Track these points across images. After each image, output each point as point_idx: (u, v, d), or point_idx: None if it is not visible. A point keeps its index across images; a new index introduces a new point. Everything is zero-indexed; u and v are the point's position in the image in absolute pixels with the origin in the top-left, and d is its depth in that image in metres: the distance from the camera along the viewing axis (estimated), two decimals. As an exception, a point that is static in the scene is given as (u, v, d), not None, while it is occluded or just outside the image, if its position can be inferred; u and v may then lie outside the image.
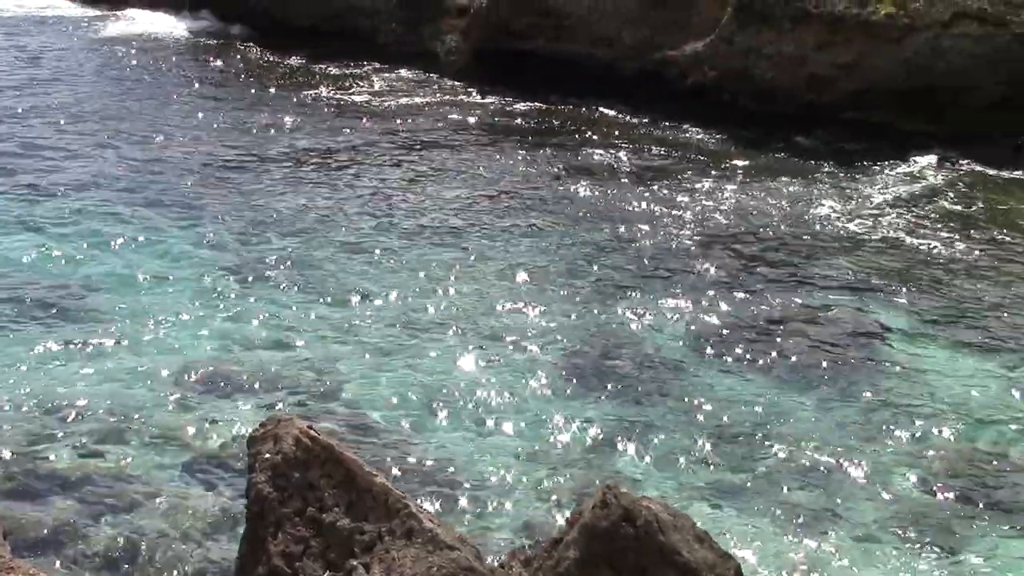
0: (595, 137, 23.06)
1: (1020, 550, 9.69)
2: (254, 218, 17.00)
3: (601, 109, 24.96)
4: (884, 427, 11.65)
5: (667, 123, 23.96)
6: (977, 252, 16.93)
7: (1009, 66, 22.18)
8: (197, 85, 26.43)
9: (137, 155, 20.08)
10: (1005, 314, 14.59)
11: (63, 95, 24.15)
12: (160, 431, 10.88)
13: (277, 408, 11.09)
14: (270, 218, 17.07)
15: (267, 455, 7.09)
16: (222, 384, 11.88)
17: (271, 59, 29.68)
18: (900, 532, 9.89)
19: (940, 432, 11.58)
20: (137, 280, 14.41)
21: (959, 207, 19.21)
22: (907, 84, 22.75)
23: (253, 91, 26.11)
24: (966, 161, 21.53)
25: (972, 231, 17.96)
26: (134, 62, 28.41)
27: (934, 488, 10.57)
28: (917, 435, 11.51)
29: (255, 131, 22.33)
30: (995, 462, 11.08)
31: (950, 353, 13.51)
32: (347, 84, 27.28)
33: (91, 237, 15.73)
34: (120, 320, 13.25)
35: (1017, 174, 21.01)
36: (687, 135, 23.37)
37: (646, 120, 24.23)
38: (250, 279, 14.67)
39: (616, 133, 23.46)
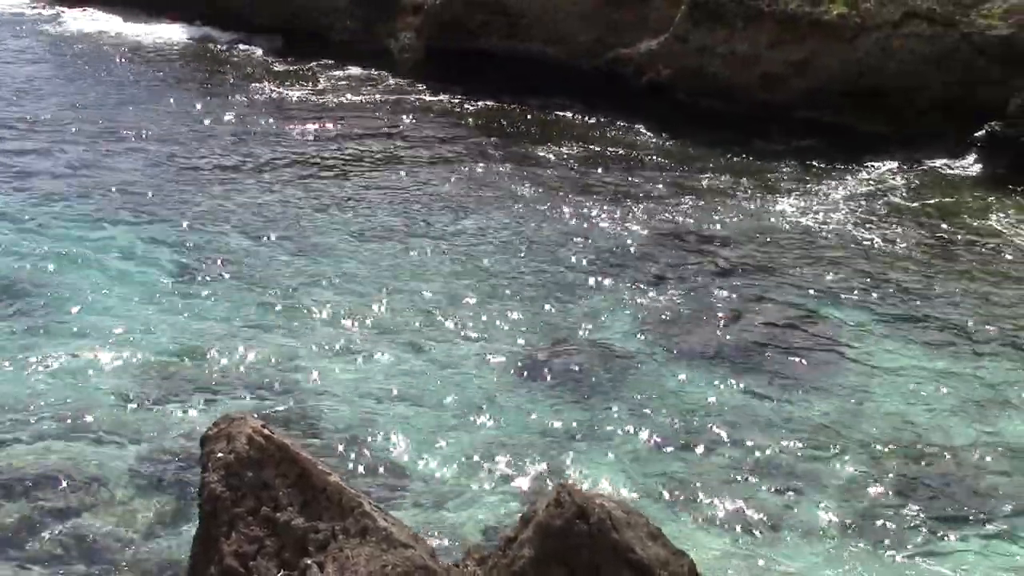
0: (549, 136, 23.06)
1: (973, 546, 9.81)
2: (206, 216, 16.90)
3: (555, 109, 24.93)
4: (837, 422, 11.76)
5: (621, 123, 23.97)
6: (929, 250, 17.11)
7: (958, 66, 22.41)
8: (151, 83, 26.19)
9: (91, 153, 19.91)
10: (957, 310, 14.75)
11: (10, 93, 23.89)
12: (113, 429, 10.82)
13: (230, 407, 11.04)
14: (222, 216, 16.97)
15: (220, 454, 7.05)
16: (175, 382, 11.81)
17: (228, 56, 29.49)
18: (854, 528, 9.99)
19: (893, 428, 11.69)
20: (90, 278, 14.30)
21: (911, 205, 19.38)
22: (859, 83, 22.94)
23: (207, 88, 25.91)
24: (918, 160, 21.72)
25: (924, 229, 18.14)
26: (90, 61, 28.12)
27: (888, 484, 10.67)
28: (870, 431, 11.62)
29: (206, 129, 22.18)
30: (948, 457, 11.20)
31: (904, 349, 13.64)
32: (298, 82, 27.11)
33: (43, 234, 15.60)
34: (73, 317, 13.16)
35: (968, 173, 21.23)
36: (641, 135, 23.40)
37: (600, 119, 24.23)
38: (202, 278, 14.59)
39: (570, 132, 23.45)
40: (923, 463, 11.12)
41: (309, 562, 6.61)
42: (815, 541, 9.76)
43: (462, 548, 8.38)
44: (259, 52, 29.72)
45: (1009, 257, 16.90)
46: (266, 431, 7.11)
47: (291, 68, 28.32)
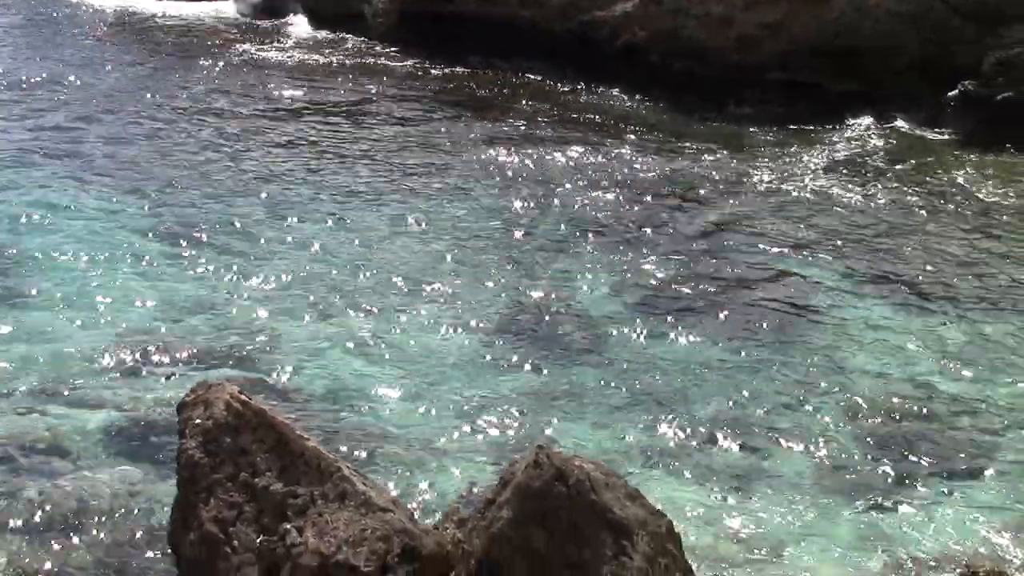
0: (522, 101, 22.94)
1: (948, 503, 9.89)
2: (180, 181, 16.81)
3: (529, 73, 24.80)
4: (815, 383, 11.82)
5: (595, 86, 23.87)
6: (905, 211, 17.15)
7: (933, 25, 22.40)
8: (120, 46, 25.98)
9: (57, 118, 19.74)
10: (931, 271, 14.80)
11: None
12: (89, 397, 10.77)
13: (208, 373, 11.01)
14: (197, 181, 16.89)
15: (198, 420, 7.05)
16: (152, 349, 11.76)
17: (198, 22, 29.25)
18: (830, 487, 10.05)
19: (870, 388, 11.76)
20: (64, 245, 14.20)
21: (887, 167, 19.41)
22: (834, 44, 22.90)
23: (180, 51, 25.71)
24: (893, 120, 21.74)
25: (898, 189, 18.17)
26: (55, 25, 27.85)
27: (865, 443, 10.74)
28: (847, 391, 11.68)
29: (177, 91, 22.02)
30: (920, 413, 11.28)
31: (880, 310, 13.70)
32: (270, 45, 26.90)
33: (16, 201, 15.47)
34: (48, 284, 13.08)
35: (942, 133, 21.27)
36: (614, 99, 23.31)
37: (574, 83, 24.14)
38: (179, 243, 14.51)
39: (543, 96, 23.34)
40: (895, 419, 11.19)
41: (288, 527, 6.63)
42: (790, 497, 9.82)
43: (441, 511, 8.40)
44: (231, 16, 29.51)
45: (982, 216, 16.97)
46: (243, 397, 7.12)
47: (263, 31, 28.10)
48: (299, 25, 28.82)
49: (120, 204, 15.77)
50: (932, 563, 9.01)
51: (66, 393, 10.83)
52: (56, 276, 13.35)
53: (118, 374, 11.28)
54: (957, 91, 21.72)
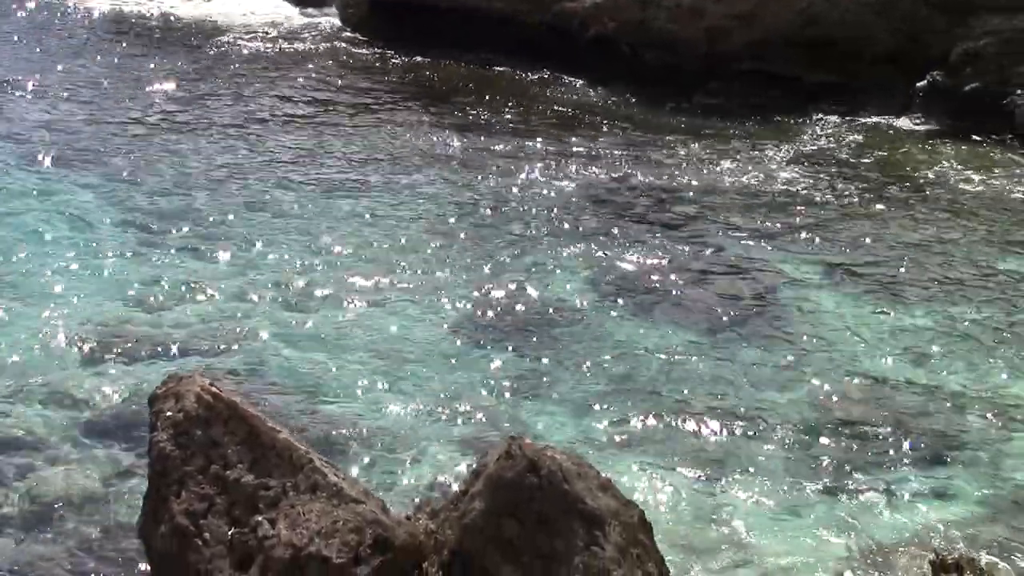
0: (493, 93, 22.91)
1: (916, 490, 9.97)
2: (149, 173, 16.73)
3: (500, 65, 24.78)
4: (784, 372, 11.89)
5: (566, 77, 23.89)
6: (873, 202, 17.25)
7: (903, 15, 22.50)
8: (82, 38, 25.83)
9: (30, 109, 19.64)
10: (900, 260, 14.91)
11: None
12: (59, 390, 10.71)
13: (179, 365, 10.97)
14: (166, 173, 16.82)
15: (169, 413, 7.02)
16: (123, 342, 11.71)
17: (171, 14, 29.16)
18: (800, 475, 10.11)
19: (839, 376, 11.84)
20: (34, 236, 14.12)
21: (856, 158, 19.52)
22: (805, 34, 22.98)
23: (150, 43, 25.60)
24: (864, 111, 21.84)
25: (868, 180, 18.29)
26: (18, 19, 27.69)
27: (834, 432, 10.81)
28: (816, 380, 11.75)
29: (144, 82, 21.92)
30: (892, 405, 11.35)
31: (849, 299, 13.80)
32: (237, 34, 26.81)
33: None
34: (17, 276, 13.00)
35: (912, 123, 21.38)
36: (585, 90, 23.35)
37: (545, 74, 24.16)
38: (148, 235, 14.46)
39: (515, 89, 23.34)
40: (864, 407, 11.28)
41: (260, 519, 6.61)
42: (760, 485, 9.88)
43: (413, 502, 8.41)
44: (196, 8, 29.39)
45: (950, 207, 17.10)
46: (215, 389, 7.08)
47: (236, 22, 27.99)
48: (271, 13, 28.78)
49: (87, 195, 15.68)
50: (901, 550, 9.08)
51: (37, 387, 10.76)
52: (25, 267, 13.26)
53: (89, 367, 11.23)
54: (926, 82, 21.84)
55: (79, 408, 10.46)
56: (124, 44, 25.45)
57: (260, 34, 27.03)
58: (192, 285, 13.15)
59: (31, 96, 20.57)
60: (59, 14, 27.99)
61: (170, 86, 21.88)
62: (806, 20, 23.02)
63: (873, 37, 22.63)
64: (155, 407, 7.16)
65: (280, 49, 25.62)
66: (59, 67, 22.86)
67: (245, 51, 25.23)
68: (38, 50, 24.41)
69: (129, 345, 11.67)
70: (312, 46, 26.09)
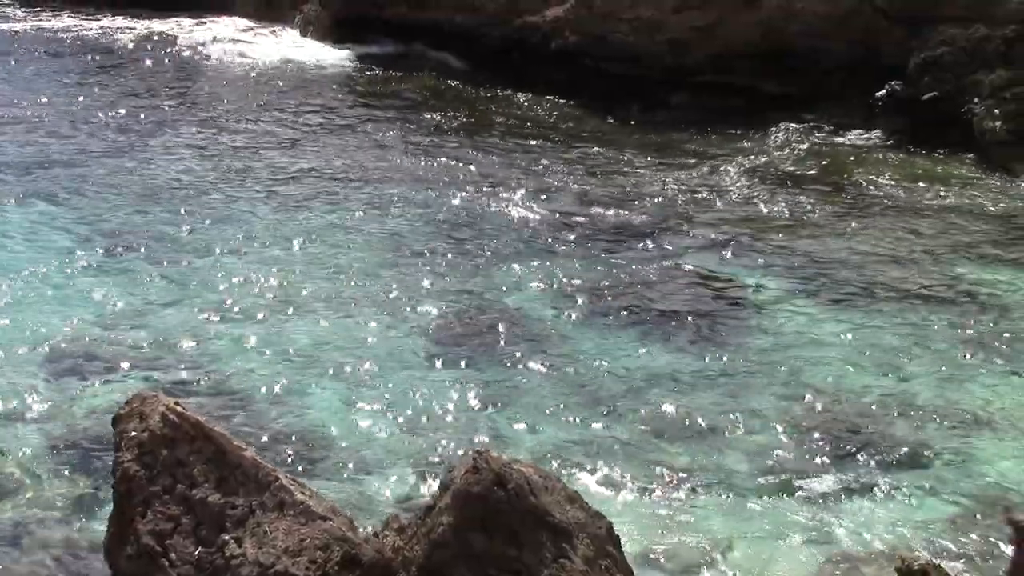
0: (455, 106, 23.02)
1: (883, 498, 10.01)
2: (113, 187, 16.72)
3: (461, 79, 24.91)
4: (749, 383, 11.93)
5: (528, 91, 24.02)
6: (832, 212, 17.38)
7: (861, 26, 22.70)
8: (51, 55, 25.74)
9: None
10: (859, 269, 15.02)
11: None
12: (21, 410, 10.63)
13: (143, 384, 10.90)
14: (130, 187, 16.80)
15: (133, 433, 6.98)
16: (85, 361, 11.64)
17: (134, 26, 29.13)
18: (768, 485, 10.14)
19: (804, 386, 11.89)
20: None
21: (816, 168, 19.65)
22: (763, 46, 23.14)
23: (115, 56, 25.54)
24: (823, 121, 22.01)
25: (827, 191, 18.42)
26: None
27: (801, 441, 10.84)
28: (782, 390, 11.81)
29: (118, 97, 21.90)
30: (857, 414, 11.41)
31: (809, 308, 13.88)
32: (201, 48, 26.82)
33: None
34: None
35: (871, 133, 21.56)
36: (546, 103, 23.44)
37: (507, 88, 24.26)
38: (111, 252, 14.40)
39: (476, 102, 23.46)
40: (830, 416, 11.32)
41: (227, 538, 6.58)
42: (728, 496, 9.91)
43: (381, 518, 8.38)
44: (161, 23, 29.39)
45: (908, 216, 17.23)
46: (179, 408, 7.05)
47: (198, 34, 28.05)
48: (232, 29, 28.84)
49: (46, 213, 15.59)
50: (869, 557, 9.13)
51: (-1, 406, 10.69)
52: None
53: (50, 386, 11.13)
54: (884, 91, 22.03)
55: (42, 427, 10.37)
56: (96, 66, 25.35)
57: (213, 44, 27.06)
58: (156, 302, 13.09)
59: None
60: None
61: (132, 106, 21.80)
62: (765, 31, 23.18)
63: (830, 48, 22.81)
64: (119, 427, 7.12)
65: (238, 63, 25.60)
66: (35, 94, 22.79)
67: (195, 66, 25.18)
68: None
69: (93, 364, 11.60)
70: (270, 60, 26.09)
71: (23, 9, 31.31)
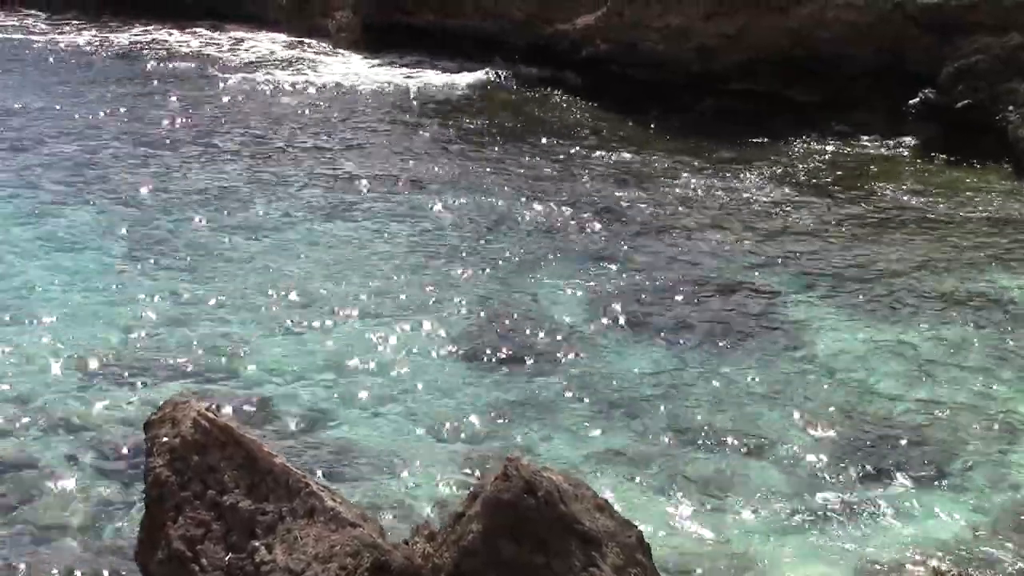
0: (484, 111, 23.06)
1: (913, 508, 9.94)
2: (145, 197, 16.80)
3: (489, 84, 24.99)
4: (779, 391, 11.88)
5: (557, 98, 24.05)
6: (863, 220, 17.29)
7: (891, 34, 22.60)
8: (77, 66, 25.95)
9: (18, 138, 19.65)
10: (890, 280, 14.91)
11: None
12: (54, 417, 10.68)
13: (174, 390, 10.93)
14: (161, 197, 16.85)
15: (165, 439, 7.01)
16: (117, 367, 11.70)
17: (163, 39, 29.31)
18: (797, 494, 10.09)
19: (833, 395, 11.83)
20: (27, 264, 14.12)
21: (847, 176, 19.57)
22: (793, 53, 23.08)
23: (137, 69, 25.70)
24: (852, 129, 21.91)
25: (858, 198, 18.33)
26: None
27: (829, 450, 10.78)
28: (811, 398, 11.75)
29: (142, 108, 21.99)
30: (887, 423, 11.34)
31: (843, 318, 13.79)
32: (235, 60, 26.96)
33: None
34: (11, 303, 12.98)
35: (901, 141, 21.45)
36: (576, 109, 23.45)
37: (535, 94, 24.31)
38: (142, 261, 14.47)
39: (505, 107, 23.49)
40: (859, 425, 11.26)
41: (257, 544, 6.59)
42: (758, 505, 9.86)
43: (411, 525, 8.39)
44: (196, 34, 29.57)
45: (940, 224, 17.12)
46: (211, 414, 7.07)
47: (233, 47, 28.22)
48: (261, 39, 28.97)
49: (81, 222, 15.70)
50: (901, 568, 9.07)
51: (33, 412, 10.73)
52: (18, 295, 13.24)
53: (85, 392, 11.21)
54: (917, 100, 21.94)
55: (75, 434, 10.43)
56: (129, 80, 25.55)
57: (245, 54, 27.21)
58: (188, 309, 13.14)
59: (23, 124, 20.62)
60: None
61: (152, 108, 22.00)
62: (795, 39, 23.12)
63: (860, 56, 22.73)
64: (151, 432, 7.15)
65: (269, 72, 25.74)
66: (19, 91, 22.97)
67: (229, 78, 25.31)
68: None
69: (125, 370, 11.66)
70: (303, 68, 26.22)
71: (45, 23, 31.31)
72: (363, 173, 18.66)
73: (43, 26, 30.72)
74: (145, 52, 27.83)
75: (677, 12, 23.94)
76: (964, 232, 16.79)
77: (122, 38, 29.29)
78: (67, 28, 30.29)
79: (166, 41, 29.21)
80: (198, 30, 30.13)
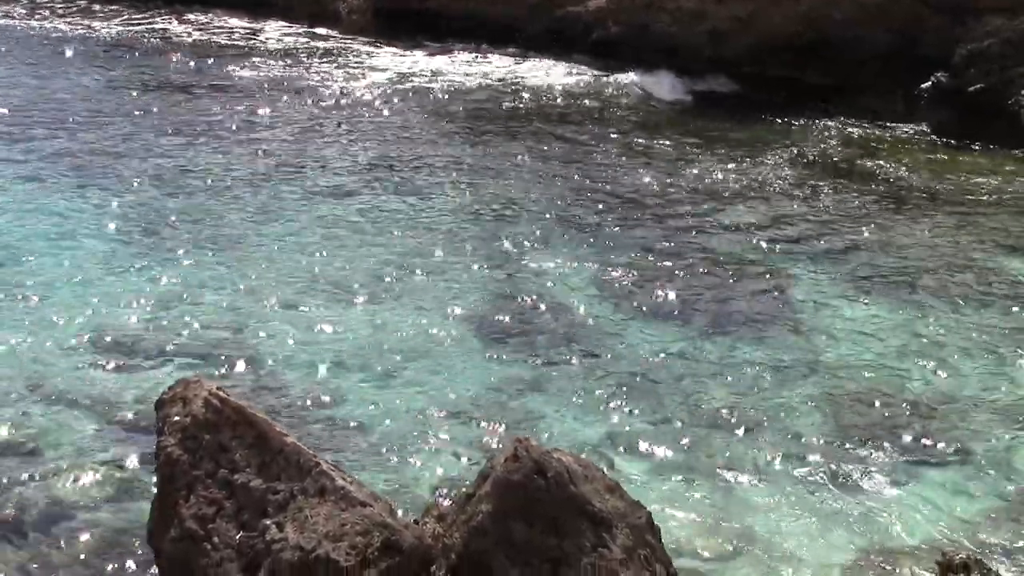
0: (498, 95, 23.03)
1: (924, 492, 9.95)
2: (157, 179, 16.80)
3: (500, 65, 24.96)
4: (792, 374, 11.88)
5: (570, 81, 24.02)
6: (876, 203, 17.27)
7: (903, 17, 22.53)
8: (96, 59, 25.96)
9: (33, 122, 19.67)
10: (902, 261, 14.92)
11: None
12: (66, 396, 10.72)
13: (186, 370, 10.97)
14: (173, 178, 16.88)
15: (176, 417, 7.04)
16: (129, 346, 11.73)
17: (175, 24, 29.31)
18: (807, 477, 10.10)
19: (845, 378, 11.84)
20: (41, 242, 14.15)
21: (857, 157, 19.55)
22: (804, 37, 23.02)
23: (149, 49, 25.70)
24: (864, 112, 21.89)
25: (870, 181, 18.31)
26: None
27: (841, 433, 10.79)
28: (823, 381, 11.76)
29: (155, 92, 22.02)
30: (898, 406, 11.35)
31: (856, 301, 13.80)
32: (247, 44, 26.94)
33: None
34: (24, 283, 13.01)
35: (913, 124, 21.40)
36: (587, 93, 23.42)
37: (549, 79, 24.27)
38: (156, 240, 14.49)
39: (519, 92, 23.45)
40: (871, 408, 11.27)
41: (268, 523, 6.62)
42: (768, 487, 9.88)
43: (421, 505, 8.42)
44: (202, 18, 29.54)
45: (954, 209, 17.09)
46: (222, 394, 7.10)
47: (245, 30, 28.16)
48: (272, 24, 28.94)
49: (94, 204, 15.71)
50: (907, 551, 9.08)
51: (45, 391, 10.77)
52: (32, 276, 13.26)
53: (97, 371, 11.24)
54: (929, 83, 21.87)
55: (88, 413, 10.47)
56: (145, 66, 25.55)
57: (258, 37, 27.18)
58: (198, 290, 13.17)
59: (21, 110, 20.62)
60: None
61: (163, 91, 22.02)
62: (807, 22, 23.06)
63: (872, 39, 22.66)
64: (162, 412, 7.18)
65: (282, 56, 25.73)
66: (33, 82, 23.01)
67: (241, 59, 25.31)
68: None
69: (138, 349, 11.69)
70: (314, 51, 26.21)
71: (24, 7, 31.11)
72: (372, 157, 18.65)
73: (21, 10, 30.61)
74: (145, 38, 27.83)
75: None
76: (976, 216, 16.76)
77: (136, 29, 29.33)
78: (75, 18, 30.32)
79: (166, 29, 29.14)
80: (198, 17, 30.09)
